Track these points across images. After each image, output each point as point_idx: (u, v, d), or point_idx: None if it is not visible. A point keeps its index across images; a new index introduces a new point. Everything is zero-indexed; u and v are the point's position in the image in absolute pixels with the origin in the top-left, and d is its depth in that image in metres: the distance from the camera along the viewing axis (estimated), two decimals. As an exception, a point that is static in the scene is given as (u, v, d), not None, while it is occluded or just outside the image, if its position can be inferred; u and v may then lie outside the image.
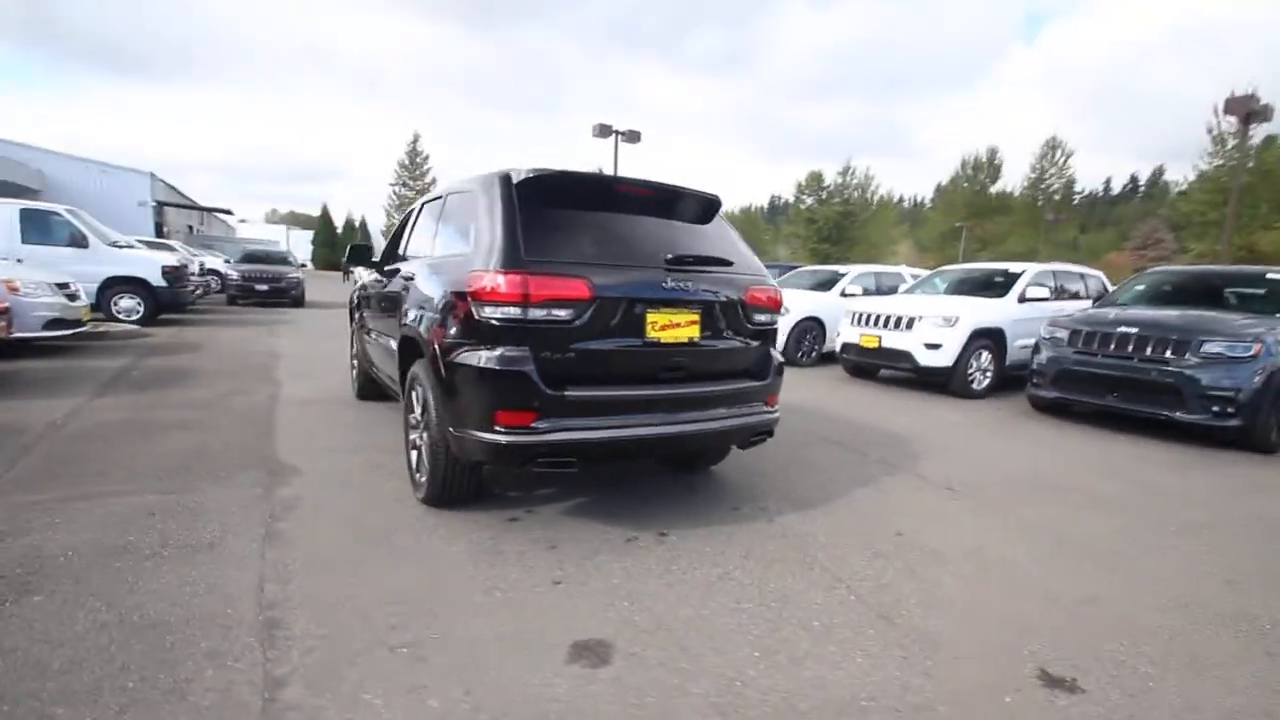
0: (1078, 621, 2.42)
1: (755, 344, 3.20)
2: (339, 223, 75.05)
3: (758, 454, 4.20)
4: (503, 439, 2.54)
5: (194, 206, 35.01)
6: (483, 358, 2.56)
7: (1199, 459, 5.01)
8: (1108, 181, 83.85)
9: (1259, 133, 17.49)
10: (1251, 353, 5.15)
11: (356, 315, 5.38)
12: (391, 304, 3.95)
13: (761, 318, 3.19)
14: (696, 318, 2.90)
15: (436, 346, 2.78)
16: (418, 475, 3.20)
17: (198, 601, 2.21)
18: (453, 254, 3.03)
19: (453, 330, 2.71)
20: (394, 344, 3.69)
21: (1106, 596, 2.64)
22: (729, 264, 3.10)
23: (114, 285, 9.60)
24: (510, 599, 2.35)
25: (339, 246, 67.16)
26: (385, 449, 4.10)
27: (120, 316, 9.62)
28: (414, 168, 51.61)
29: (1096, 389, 5.85)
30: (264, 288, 15.60)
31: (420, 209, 4.11)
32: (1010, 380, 7.69)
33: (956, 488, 3.97)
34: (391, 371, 4.04)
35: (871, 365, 8.29)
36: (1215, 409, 5.19)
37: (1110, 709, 1.92)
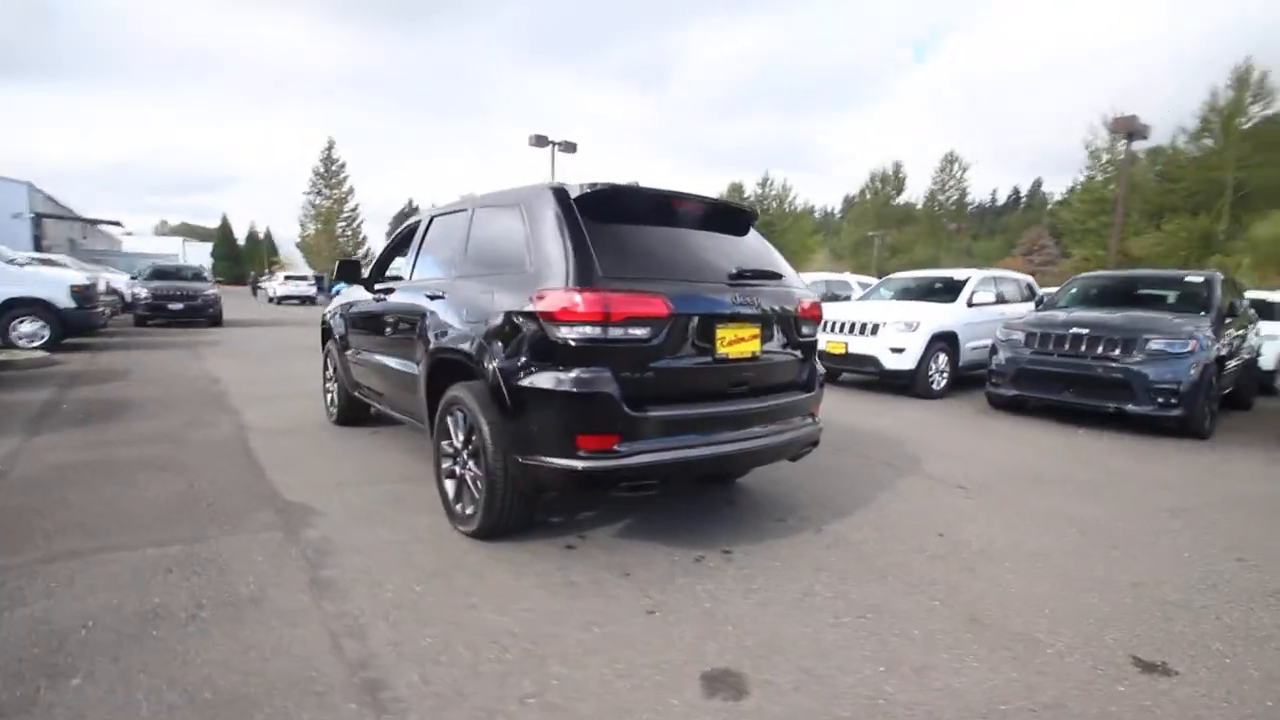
0: (1138, 607, 2.58)
1: (804, 356, 3.23)
2: (240, 234, 70.22)
3: (773, 465, 4.24)
4: (584, 464, 2.43)
5: (77, 219, 31.73)
6: (561, 380, 2.44)
7: (1149, 447, 5.51)
8: (994, 193, 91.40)
9: (1126, 150, 19.67)
10: (1189, 348, 5.73)
11: (336, 336, 5.02)
12: (404, 325, 3.71)
13: (808, 330, 3.23)
14: (758, 332, 2.89)
15: (497, 369, 2.63)
16: (459, 507, 3.01)
17: (271, 667, 1.97)
18: (500, 272, 2.88)
19: (519, 352, 2.57)
20: (414, 367, 3.47)
21: (1145, 581, 2.83)
22: (780, 277, 3.13)
23: (13, 308, 8.50)
24: (612, 634, 2.24)
25: (243, 259, 62.85)
26: (399, 479, 3.83)
27: (20, 343, 8.52)
28: (329, 176, 49.10)
29: (1054, 386, 6.32)
30: (178, 306, 14.30)
31: (429, 223, 3.89)
32: (962, 380, 8.19)
33: (966, 485, 4.17)
34: (402, 396, 3.80)
35: (835, 370, 8.59)
36: (1160, 400, 5.73)
37: (1207, 687, 2.05)
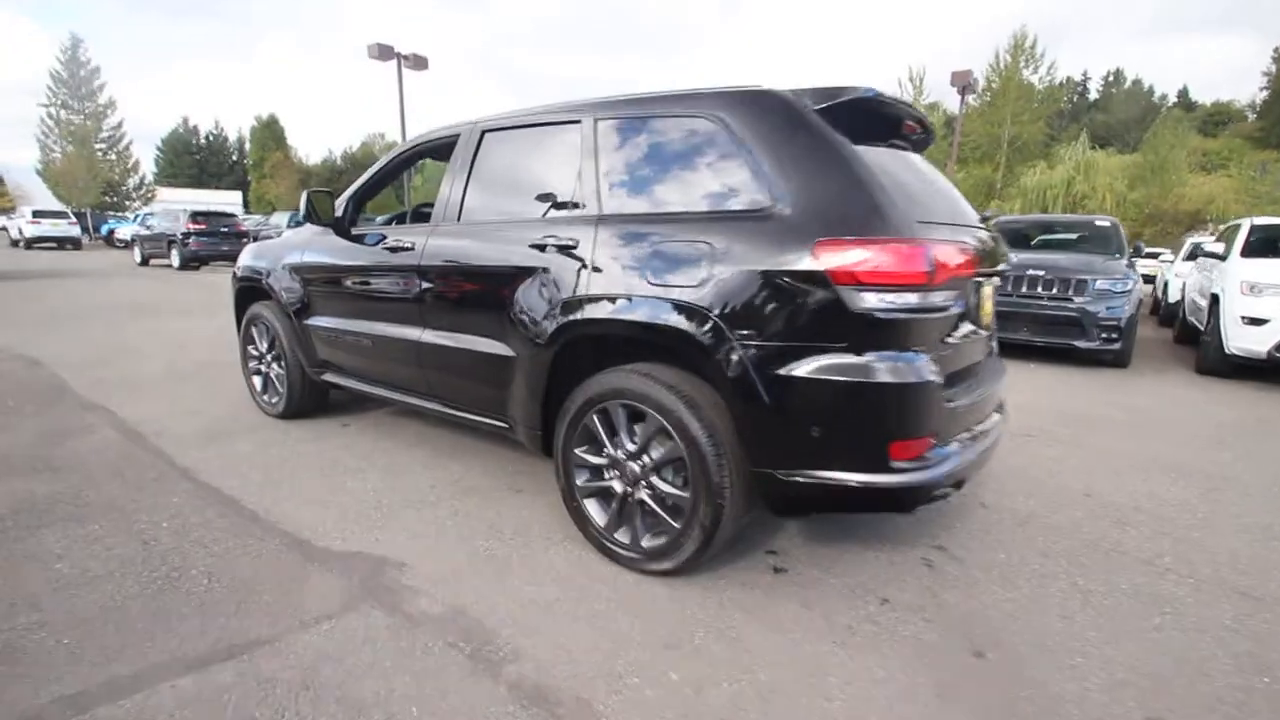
0: (1324, 556, 2.61)
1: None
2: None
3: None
4: (898, 479, 1.80)
5: None
6: (870, 367, 1.75)
7: (1105, 378, 6.05)
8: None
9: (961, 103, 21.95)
10: (1127, 287, 6.32)
11: (282, 299, 3.64)
12: (470, 286, 2.67)
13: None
14: (992, 292, 2.39)
15: (743, 354, 1.85)
16: (619, 535, 2.24)
17: None
18: (718, 215, 2.00)
19: (789, 329, 1.81)
20: (500, 348, 2.51)
21: (1271, 523, 2.92)
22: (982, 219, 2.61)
23: None
24: (942, 683, 1.71)
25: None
26: (455, 494, 2.85)
27: None
28: (77, 84, 38.53)
29: (1015, 325, 6.70)
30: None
31: (478, 141, 2.77)
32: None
33: (1032, 434, 4.15)
34: (461, 385, 2.80)
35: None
36: (1104, 335, 6.29)
37: None
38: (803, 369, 1.80)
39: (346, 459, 3.29)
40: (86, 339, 6.34)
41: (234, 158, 59.72)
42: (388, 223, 3.81)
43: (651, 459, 2.14)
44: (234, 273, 4.11)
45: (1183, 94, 58.98)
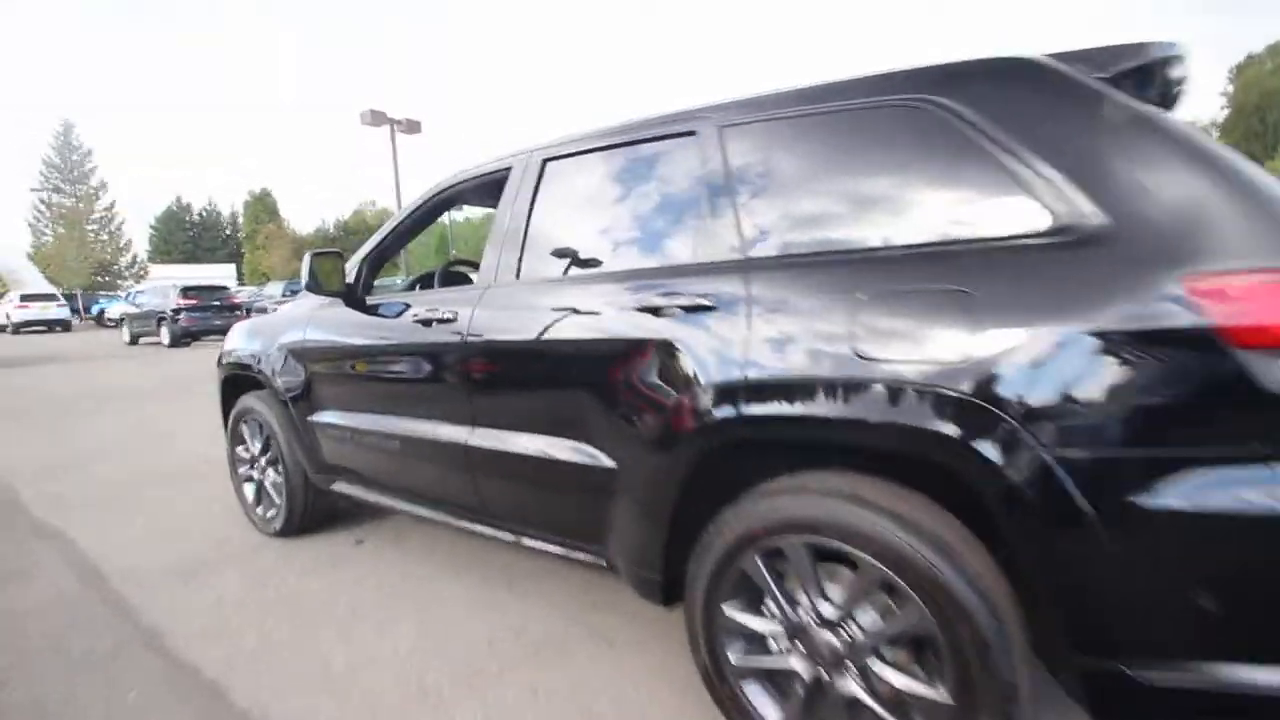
0: None
1: None
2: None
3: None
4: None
5: None
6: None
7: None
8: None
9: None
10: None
11: (281, 388, 2.90)
12: (545, 370, 1.94)
13: None
14: None
15: (1061, 470, 1.10)
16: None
17: None
18: (959, 240, 1.29)
19: (1150, 426, 1.07)
20: (596, 456, 1.76)
21: None
22: None
23: None
24: None
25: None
26: (523, 655, 2.04)
27: None
28: (69, 168, 38.72)
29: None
30: None
31: (539, 173, 2.09)
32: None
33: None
34: (508, 498, 2.08)
35: None
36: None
37: None
38: (1178, 494, 1.05)
39: (367, 599, 2.49)
40: (52, 437, 5.56)
41: (227, 231, 60.15)
42: (410, 287, 3.11)
43: (863, 629, 1.37)
44: (219, 357, 3.38)
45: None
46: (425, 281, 3.11)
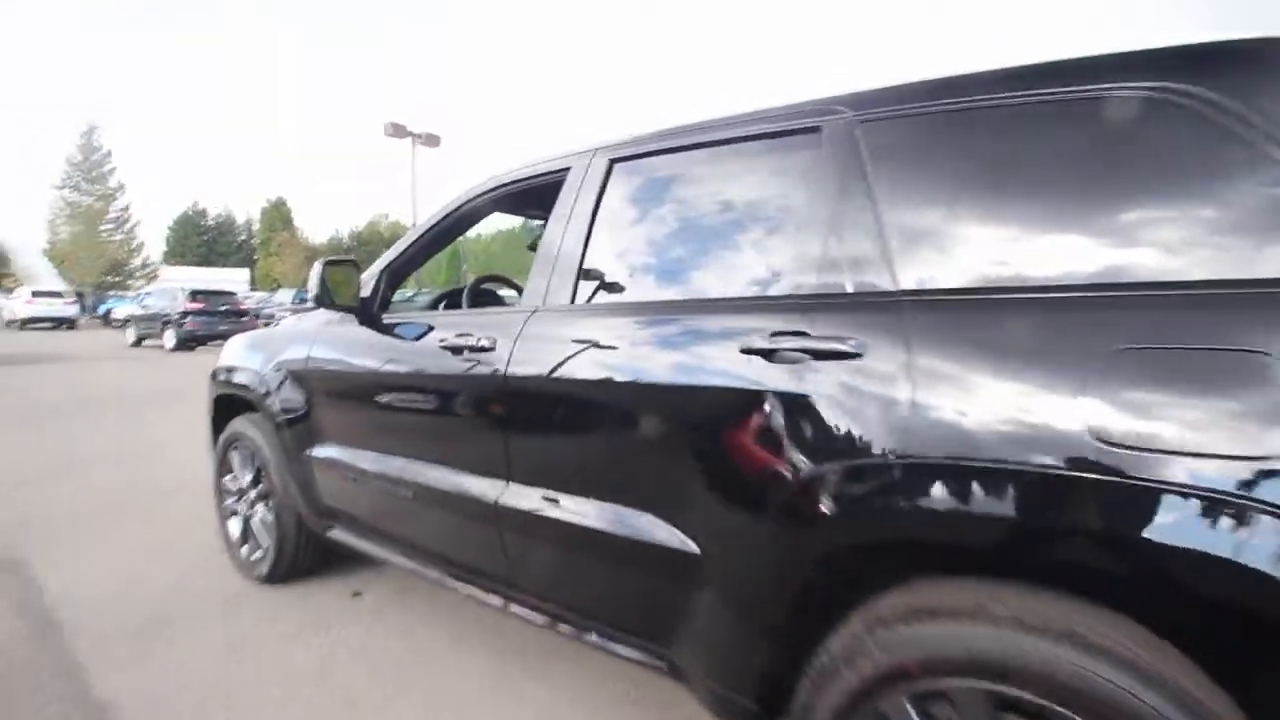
0: None
1: None
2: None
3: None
4: None
5: None
6: None
7: None
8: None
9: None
10: None
11: (277, 413, 2.51)
12: (609, 420, 1.54)
13: None
14: None
15: None
16: None
17: None
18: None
19: None
20: (646, 528, 1.38)
21: None
22: None
23: None
24: None
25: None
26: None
27: None
28: (90, 168, 39.05)
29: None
30: None
31: (605, 176, 1.71)
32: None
33: None
34: (547, 574, 1.71)
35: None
36: None
37: None
38: None
39: (361, 674, 2.07)
40: (32, 446, 5.17)
41: (242, 237, 60.43)
42: (432, 305, 2.73)
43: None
44: (213, 372, 3.01)
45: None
46: (451, 300, 2.73)
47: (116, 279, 40.54)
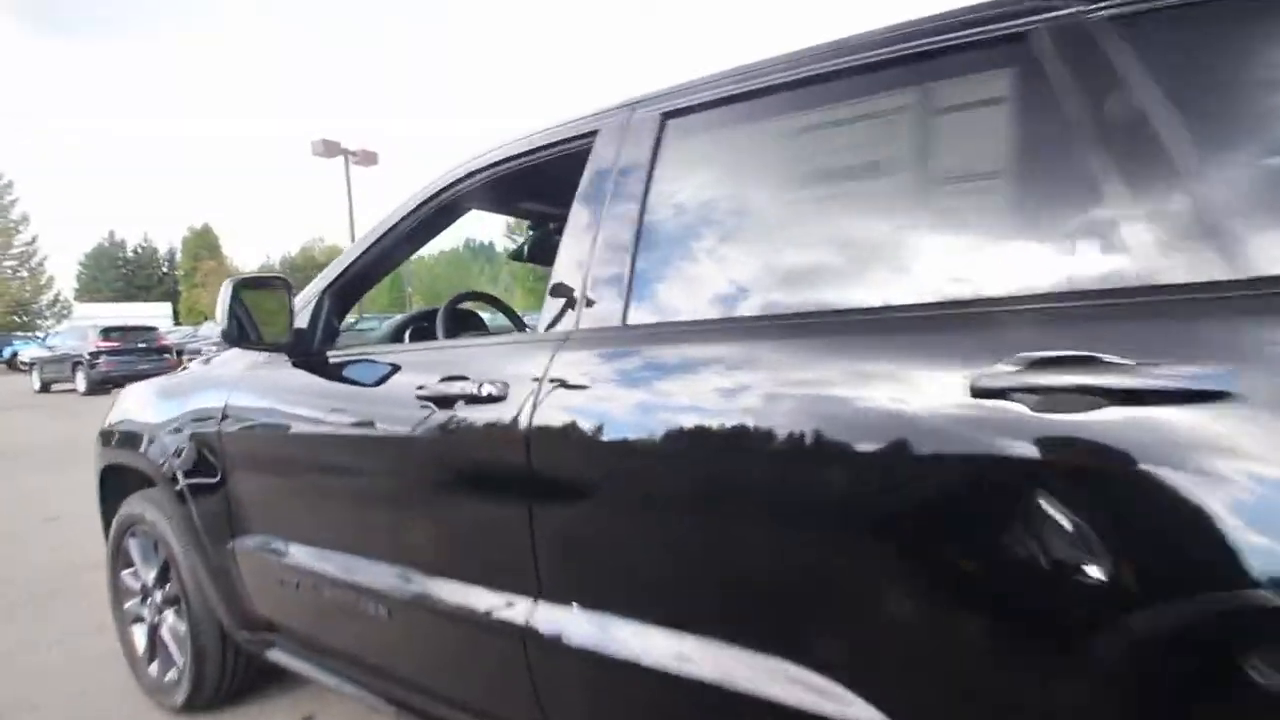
0: None
1: None
2: None
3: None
4: None
5: None
6: None
7: None
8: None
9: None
10: None
11: (187, 491, 1.84)
12: (706, 507, 0.98)
13: None
14: None
15: None
16: None
17: None
18: None
19: None
20: (783, 685, 0.83)
21: None
22: None
23: None
24: None
25: None
26: None
27: None
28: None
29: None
30: None
31: (658, 135, 1.17)
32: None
33: None
34: None
35: None
36: None
37: None
38: None
39: None
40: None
41: (164, 269, 57.00)
42: (396, 335, 2.07)
43: None
44: (100, 433, 2.29)
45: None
46: (418, 328, 2.08)
47: (24, 319, 37.36)
